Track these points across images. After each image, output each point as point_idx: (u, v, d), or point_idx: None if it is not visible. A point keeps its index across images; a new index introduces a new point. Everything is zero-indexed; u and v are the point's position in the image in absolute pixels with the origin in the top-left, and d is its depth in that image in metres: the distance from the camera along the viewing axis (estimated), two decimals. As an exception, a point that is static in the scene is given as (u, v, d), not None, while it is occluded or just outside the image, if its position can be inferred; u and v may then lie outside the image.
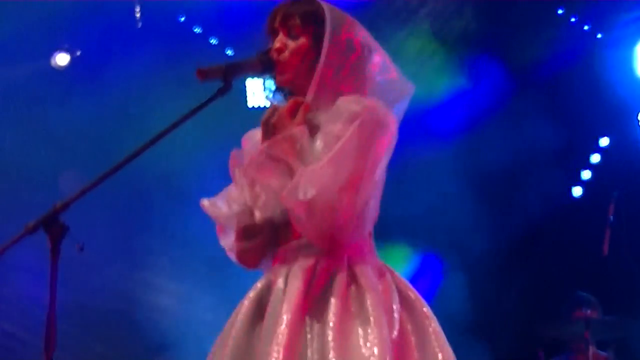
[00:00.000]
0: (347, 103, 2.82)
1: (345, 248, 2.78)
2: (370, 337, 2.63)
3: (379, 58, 2.98)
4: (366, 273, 2.79)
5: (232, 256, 3.05)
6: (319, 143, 2.80)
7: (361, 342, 2.64)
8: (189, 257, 7.37)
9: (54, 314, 2.67)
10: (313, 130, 2.86)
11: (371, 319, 2.67)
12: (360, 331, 2.66)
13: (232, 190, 3.04)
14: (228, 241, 3.04)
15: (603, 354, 6.25)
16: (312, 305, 2.72)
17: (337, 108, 2.82)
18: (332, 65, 2.88)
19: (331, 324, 2.66)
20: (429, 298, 2.96)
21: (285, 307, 2.71)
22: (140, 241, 7.47)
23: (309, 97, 2.88)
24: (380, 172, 2.79)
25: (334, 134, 2.76)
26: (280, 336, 2.64)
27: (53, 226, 2.68)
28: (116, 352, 7.30)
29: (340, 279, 2.75)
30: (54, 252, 2.68)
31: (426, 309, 2.86)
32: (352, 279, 2.77)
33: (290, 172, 2.77)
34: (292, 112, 2.89)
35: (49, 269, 2.67)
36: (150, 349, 7.25)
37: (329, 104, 2.86)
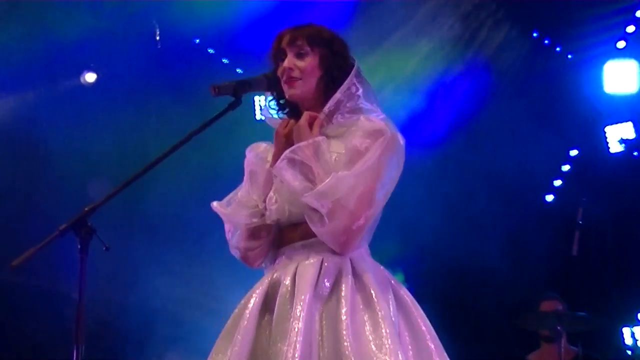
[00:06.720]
0: (370, 122, 2.83)
1: (351, 250, 2.78)
2: (381, 331, 2.63)
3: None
4: (368, 272, 2.78)
5: (237, 254, 3.01)
6: (341, 154, 2.81)
7: (372, 336, 2.63)
8: (202, 252, 7.34)
9: (82, 307, 2.64)
10: (328, 141, 2.87)
11: (379, 313, 2.66)
12: (370, 325, 2.65)
13: (240, 193, 3.03)
14: (234, 240, 3.01)
15: (573, 348, 6.19)
16: (322, 299, 2.71)
17: (359, 126, 2.84)
18: (348, 91, 2.90)
19: (343, 318, 2.64)
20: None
21: (296, 300, 2.68)
22: (157, 239, 7.45)
23: (324, 113, 2.89)
24: (391, 188, 2.81)
25: (357, 148, 2.78)
26: (295, 332, 2.61)
27: (82, 228, 2.66)
28: (134, 344, 7.24)
29: (347, 275, 2.74)
30: (83, 251, 2.66)
31: (414, 303, 2.84)
32: (356, 276, 2.77)
33: (312, 175, 2.78)
34: (311, 124, 2.89)
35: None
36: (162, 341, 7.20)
37: (341, 121, 2.88)
